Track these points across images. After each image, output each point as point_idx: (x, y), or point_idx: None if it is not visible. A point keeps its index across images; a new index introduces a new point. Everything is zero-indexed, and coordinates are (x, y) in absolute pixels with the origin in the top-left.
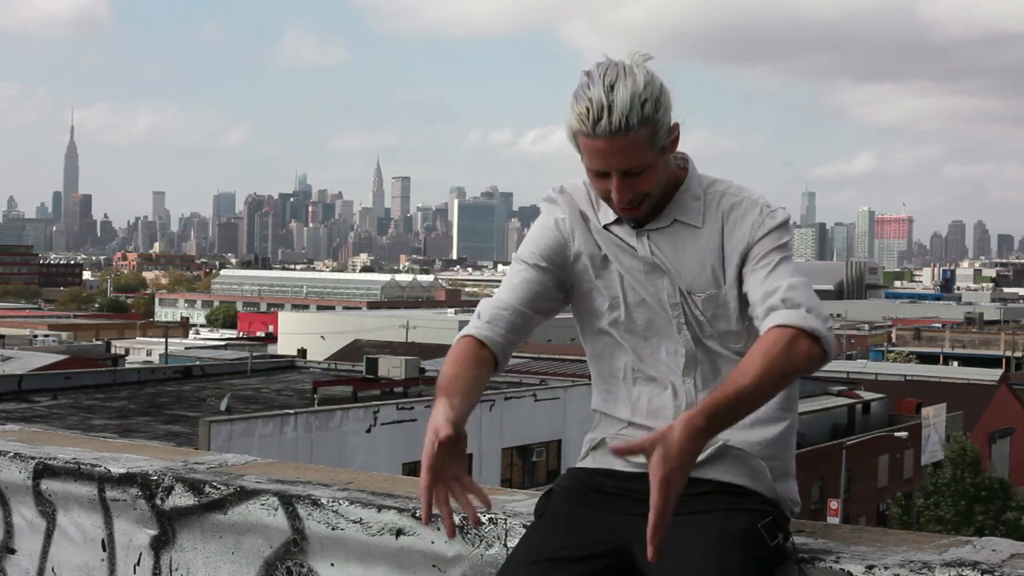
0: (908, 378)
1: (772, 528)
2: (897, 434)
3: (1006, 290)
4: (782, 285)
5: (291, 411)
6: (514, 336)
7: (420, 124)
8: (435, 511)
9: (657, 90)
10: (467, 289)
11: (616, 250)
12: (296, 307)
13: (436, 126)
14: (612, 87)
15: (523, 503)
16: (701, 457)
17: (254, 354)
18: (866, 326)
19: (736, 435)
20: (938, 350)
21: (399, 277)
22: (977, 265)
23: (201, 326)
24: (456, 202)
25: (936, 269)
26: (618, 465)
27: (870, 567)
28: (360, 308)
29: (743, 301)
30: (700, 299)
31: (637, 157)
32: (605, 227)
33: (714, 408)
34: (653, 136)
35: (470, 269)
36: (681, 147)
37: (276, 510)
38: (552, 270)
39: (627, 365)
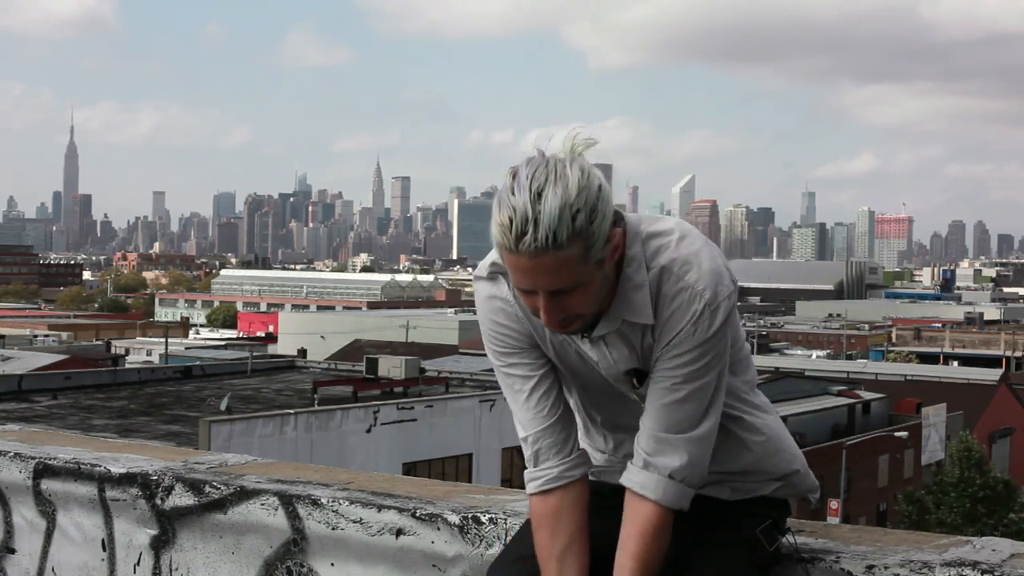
0: (908, 378)
1: (771, 532)
2: (897, 434)
3: (1006, 290)
4: (665, 438)
5: (291, 411)
6: (572, 444)
7: (422, 124)
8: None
9: (593, 196)
10: (467, 289)
11: (569, 349)
12: (296, 307)
13: (438, 126)
14: (539, 195)
15: (523, 503)
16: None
17: (254, 354)
18: (866, 326)
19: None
20: (938, 350)
21: (399, 277)
22: (977, 265)
23: (201, 326)
24: (456, 202)
25: (936, 269)
26: (606, 480)
27: (870, 567)
28: (360, 308)
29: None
30: (635, 391)
31: (567, 277)
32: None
33: None
34: (587, 251)
35: (470, 269)
36: (684, 147)
37: (276, 510)
38: (533, 350)
39: (600, 414)
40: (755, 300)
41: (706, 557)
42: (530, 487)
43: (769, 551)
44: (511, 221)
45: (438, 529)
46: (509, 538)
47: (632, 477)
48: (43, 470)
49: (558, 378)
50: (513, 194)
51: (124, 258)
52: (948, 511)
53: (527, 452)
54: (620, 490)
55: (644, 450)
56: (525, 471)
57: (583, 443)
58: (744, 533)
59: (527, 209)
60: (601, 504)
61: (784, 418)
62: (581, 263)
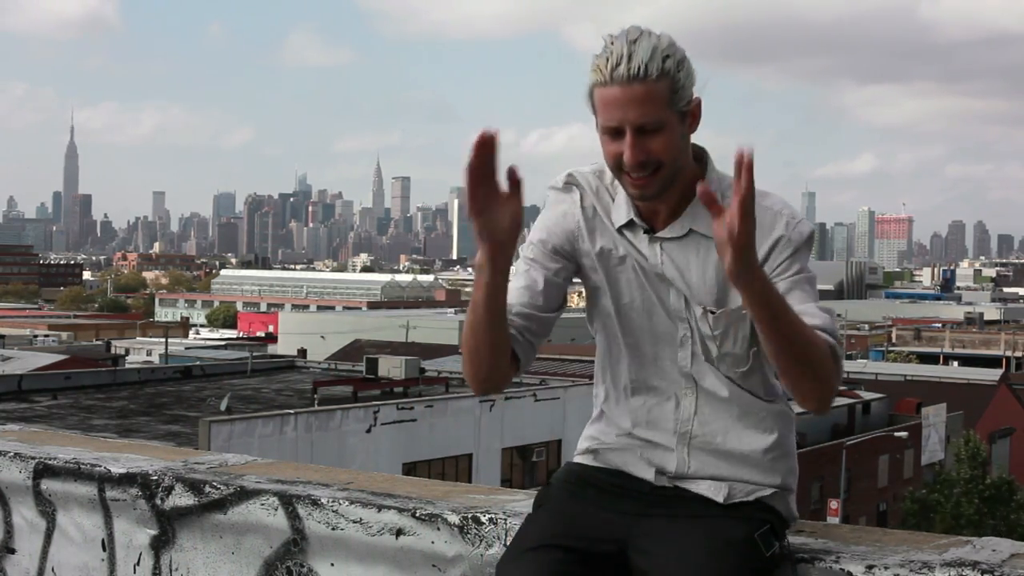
0: (908, 378)
1: (769, 537)
2: (897, 434)
3: (1006, 290)
4: (805, 311)
5: (291, 411)
6: (534, 339)
7: (423, 125)
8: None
9: (680, 54)
10: (467, 289)
11: (627, 254)
12: (296, 307)
13: (439, 126)
14: (635, 41)
15: (523, 503)
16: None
17: (254, 354)
18: (866, 326)
19: (732, 444)
20: (938, 350)
21: (399, 277)
22: (977, 265)
23: (201, 326)
24: (456, 202)
25: (936, 269)
26: (616, 464)
27: (870, 567)
28: (360, 308)
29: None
30: (709, 315)
31: (653, 111)
32: (618, 230)
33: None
34: (672, 94)
35: (470, 269)
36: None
37: (276, 510)
38: (562, 265)
39: (629, 372)
40: None
41: (704, 560)
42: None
43: (766, 556)
44: (607, 59)
45: (438, 529)
46: (509, 538)
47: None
48: (43, 470)
49: (554, 306)
50: (611, 43)
51: (124, 258)
52: (955, 508)
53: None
54: (622, 476)
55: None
56: None
57: (599, 425)
58: (741, 536)
59: (623, 47)
60: (601, 493)
61: None
62: (667, 104)
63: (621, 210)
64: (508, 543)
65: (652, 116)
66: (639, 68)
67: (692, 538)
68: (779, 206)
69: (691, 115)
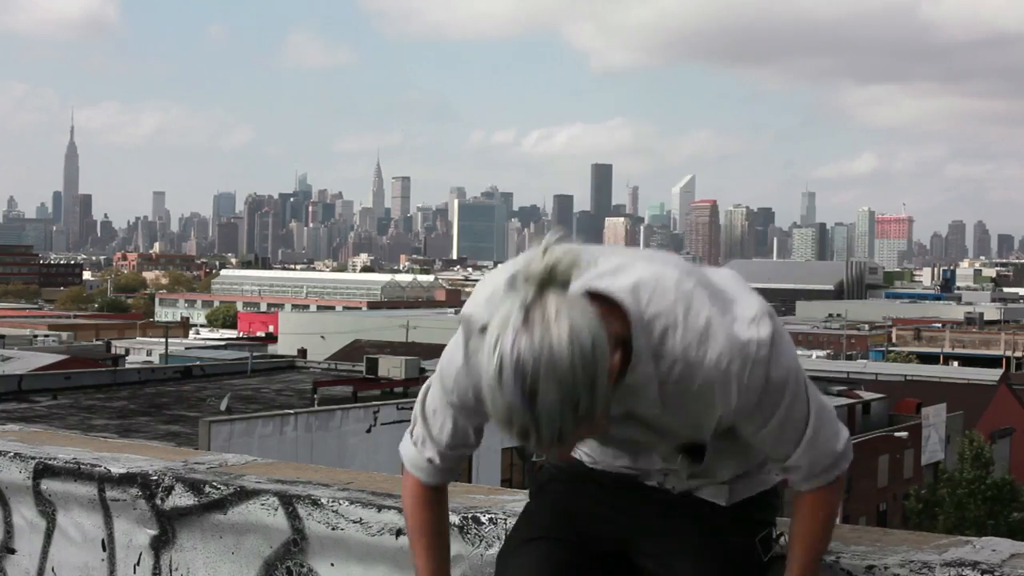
0: (908, 378)
1: (769, 540)
2: (897, 434)
3: (1006, 290)
4: (790, 455)
5: (291, 411)
6: (456, 471)
7: (423, 125)
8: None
9: (591, 365)
10: (467, 289)
11: None
12: (296, 307)
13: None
14: (533, 396)
15: (523, 503)
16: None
17: (254, 354)
18: (866, 326)
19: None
20: (938, 350)
21: (399, 277)
22: (977, 265)
23: (201, 326)
24: (456, 202)
25: (936, 269)
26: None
27: (870, 567)
28: (360, 308)
29: (727, 449)
30: (683, 464)
31: (576, 443)
32: None
33: None
34: (593, 420)
35: (470, 269)
36: (685, 147)
37: (276, 510)
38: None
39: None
40: None
41: (706, 563)
42: (423, 471)
43: (765, 561)
44: (508, 424)
45: None
46: (510, 532)
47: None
48: (43, 470)
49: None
50: (500, 384)
51: (124, 258)
52: (959, 509)
53: (422, 430)
54: (619, 478)
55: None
56: (413, 443)
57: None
58: (742, 540)
59: (524, 416)
60: (601, 489)
61: None
62: (592, 426)
63: None
64: (511, 529)
65: (575, 446)
66: (551, 440)
67: (695, 540)
68: (720, 350)
69: (613, 378)
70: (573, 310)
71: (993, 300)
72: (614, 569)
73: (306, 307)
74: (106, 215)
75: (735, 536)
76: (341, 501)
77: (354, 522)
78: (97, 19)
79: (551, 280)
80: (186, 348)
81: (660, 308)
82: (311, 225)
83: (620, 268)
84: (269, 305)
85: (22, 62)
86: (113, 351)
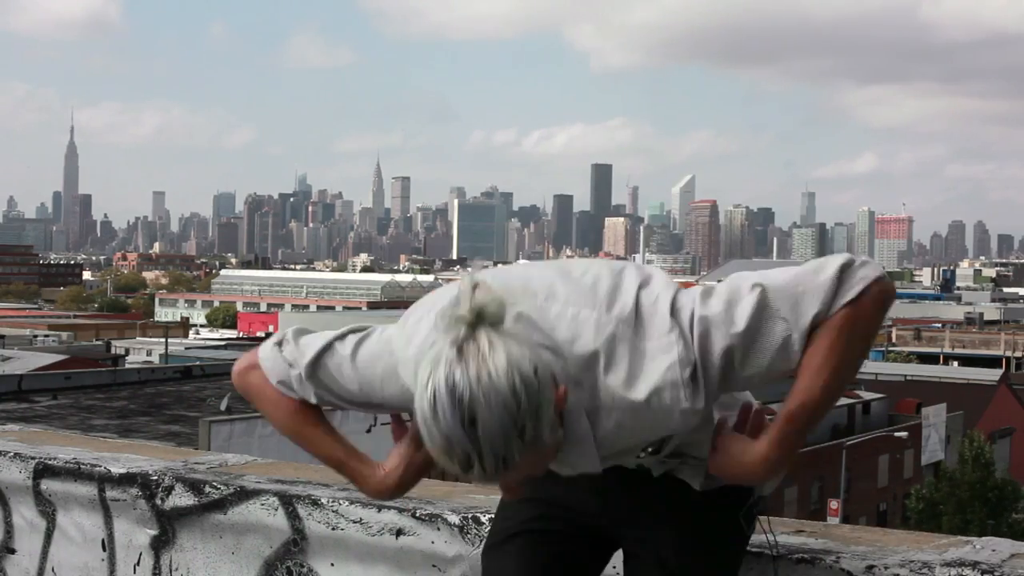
0: (908, 378)
1: (749, 515)
2: (897, 434)
3: (1006, 290)
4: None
5: None
6: None
7: (424, 125)
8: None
9: (534, 390)
10: None
11: None
12: (296, 307)
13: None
14: (473, 422)
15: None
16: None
17: None
18: None
19: None
20: (938, 350)
21: (399, 277)
22: (977, 265)
23: (201, 326)
24: (456, 202)
25: (936, 269)
26: None
27: (870, 567)
28: (360, 308)
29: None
30: (647, 457)
31: (522, 473)
32: None
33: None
34: (539, 447)
35: (470, 269)
36: (685, 147)
37: (276, 510)
38: None
39: None
40: None
41: (691, 540)
42: (277, 371)
43: (748, 534)
44: (449, 455)
45: (438, 529)
46: (490, 529)
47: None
48: (43, 470)
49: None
50: (438, 416)
51: (124, 258)
52: (960, 511)
53: (292, 341)
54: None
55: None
56: (287, 362)
57: None
58: (727, 517)
59: (465, 445)
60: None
61: None
62: (538, 456)
63: None
64: (492, 524)
65: (522, 476)
66: (496, 467)
67: (676, 518)
68: (651, 386)
69: (559, 408)
70: (509, 342)
71: (993, 300)
72: (599, 553)
73: (306, 307)
74: (106, 215)
75: (717, 511)
76: (341, 501)
77: (354, 522)
78: (99, 19)
79: (481, 320)
80: (186, 348)
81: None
82: (311, 225)
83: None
84: (269, 305)
85: (23, 62)
86: (113, 351)
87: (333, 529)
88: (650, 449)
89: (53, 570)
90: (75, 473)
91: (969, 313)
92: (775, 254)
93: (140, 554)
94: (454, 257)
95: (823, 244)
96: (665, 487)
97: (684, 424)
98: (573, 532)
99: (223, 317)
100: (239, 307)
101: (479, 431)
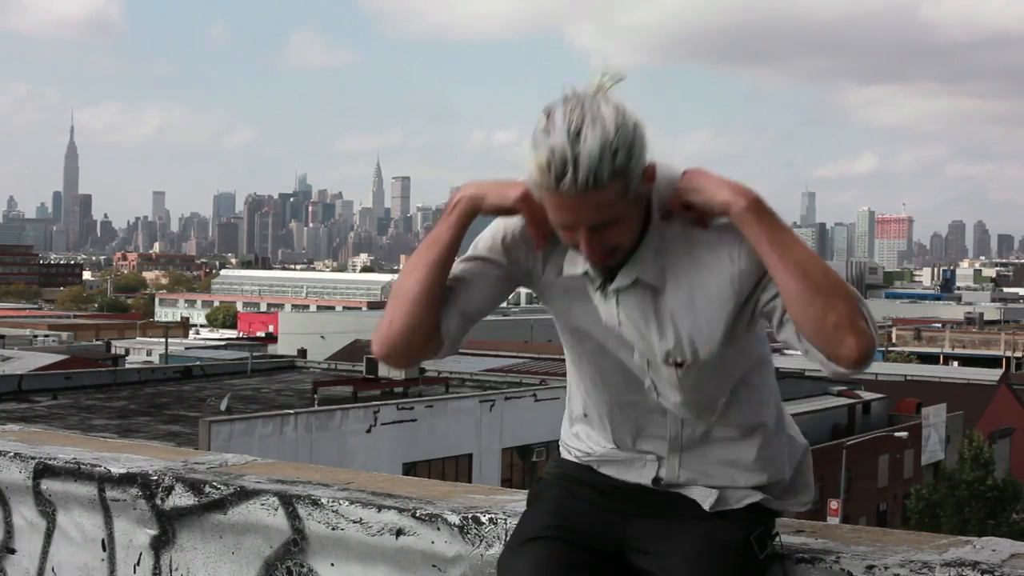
0: (908, 378)
1: (763, 538)
2: (897, 434)
3: (1006, 290)
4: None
5: (291, 411)
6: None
7: (424, 125)
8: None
9: (630, 132)
10: None
11: (589, 306)
12: (296, 307)
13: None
14: (578, 135)
15: (523, 503)
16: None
17: (254, 354)
18: None
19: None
20: (938, 350)
21: None
22: (977, 265)
23: (201, 326)
24: None
25: (936, 269)
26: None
27: (870, 567)
28: (360, 308)
29: (724, 367)
30: (676, 369)
31: (608, 212)
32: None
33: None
34: (626, 188)
35: None
36: (686, 147)
37: (276, 510)
38: (507, 267)
39: (605, 393)
40: None
41: (702, 562)
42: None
43: (760, 558)
44: (550, 163)
45: (438, 529)
46: (509, 538)
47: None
48: (43, 470)
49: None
50: (549, 134)
51: (124, 258)
52: (959, 511)
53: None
54: (614, 483)
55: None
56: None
57: (585, 428)
58: (738, 538)
59: (566, 150)
60: (597, 492)
61: None
62: (622, 200)
63: (575, 260)
64: (513, 530)
65: (607, 216)
66: (587, 180)
67: (690, 539)
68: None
69: (647, 183)
70: (620, 103)
71: (993, 300)
72: (611, 569)
73: (306, 307)
74: (106, 215)
75: (730, 534)
76: (341, 501)
77: (354, 522)
78: (100, 19)
79: (599, 89)
80: (186, 348)
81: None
82: (311, 225)
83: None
84: (269, 305)
85: (25, 62)
86: (113, 351)
87: (333, 529)
88: (685, 359)
89: (53, 570)
90: (75, 473)
91: (969, 313)
92: None
93: (140, 554)
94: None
95: (823, 244)
96: (679, 508)
97: (734, 270)
98: (587, 545)
99: (223, 317)
100: (239, 307)
101: (580, 142)
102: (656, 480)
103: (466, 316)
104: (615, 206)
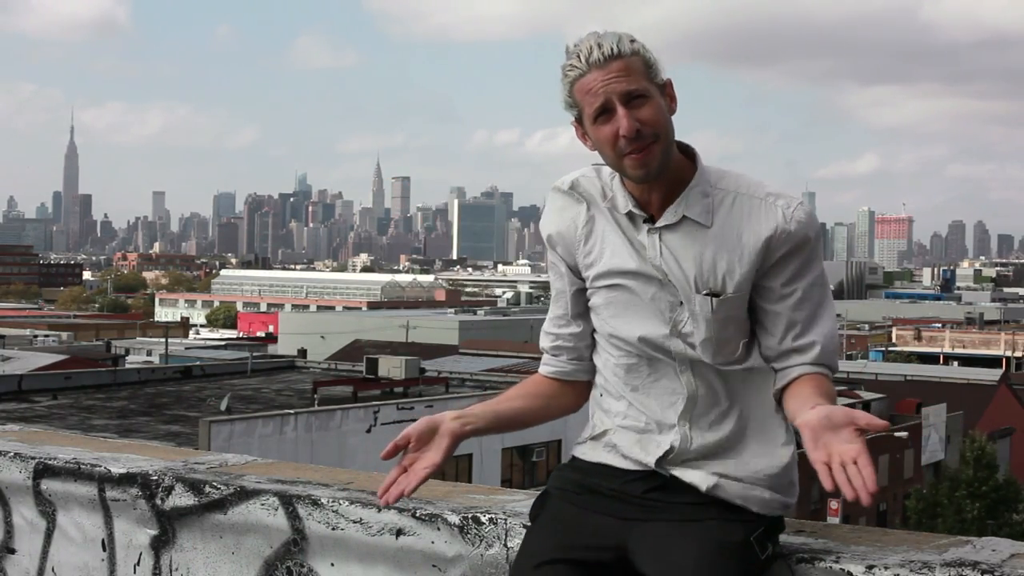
0: (908, 378)
1: (764, 539)
2: (897, 434)
3: (1006, 290)
4: (808, 335)
5: (291, 411)
6: (579, 356)
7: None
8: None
9: (645, 45)
10: (467, 289)
11: (629, 249)
12: (296, 307)
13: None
14: (599, 34)
15: (523, 503)
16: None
17: (254, 354)
18: (866, 326)
19: (741, 467)
20: (938, 350)
21: (399, 277)
22: (977, 265)
23: (201, 326)
24: (456, 202)
25: (936, 269)
26: (616, 461)
27: (870, 567)
28: (360, 308)
29: (749, 312)
30: (712, 300)
31: (636, 80)
32: (616, 222)
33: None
34: (647, 68)
35: (470, 269)
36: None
37: (276, 510)
38: (573, 274)
39: (625, 354)
40: None
41: (702, 563)
42: (543, 370)
43: (761, 559)
44: (578, 54)
45: (438, 529)
46: (509, 538)
47: (799, 370)
48: (43, 470)
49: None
50: (578, 43)
51: (124, 258)
52: (959, 511)
53: (545, 344)
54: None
55: (795, 348)
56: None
57: (603, 405)
58: (738, 539)
59: (591, 40)
60: (597, 497)
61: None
62: (646, 76)
63: (620, 203)
64: (508, 543)
65: (636, 84)
66: (612, 49)
67: (691, 541)
68: (771, 192)
69: (668, 95)
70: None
71: (993, 300)
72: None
73: (306, 307)
74: (106, 215)
75: (730, 535)
76: (341, 501)
77: (354, 522)
78: (106, 20)
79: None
80: (186, 348)
81: (723, 171)
82: (311, 225)
83: None
84: (269, 305)
85: (31, 63)
86: (113, 351)
87: (333, 529)
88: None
89: (53, 570)
90: (75, 473)
91: (969, 313)
92: None
93: (140, 554)
94: (454, 257)
95: (823, 244)
96: (681, 511)
97: (768, 231)
98: (591, 557)
99: (223, 317)
100: (239, 307)
101: (602, 36)
102: (667, 453)
103: (585, 347)
104: (641, 79)
